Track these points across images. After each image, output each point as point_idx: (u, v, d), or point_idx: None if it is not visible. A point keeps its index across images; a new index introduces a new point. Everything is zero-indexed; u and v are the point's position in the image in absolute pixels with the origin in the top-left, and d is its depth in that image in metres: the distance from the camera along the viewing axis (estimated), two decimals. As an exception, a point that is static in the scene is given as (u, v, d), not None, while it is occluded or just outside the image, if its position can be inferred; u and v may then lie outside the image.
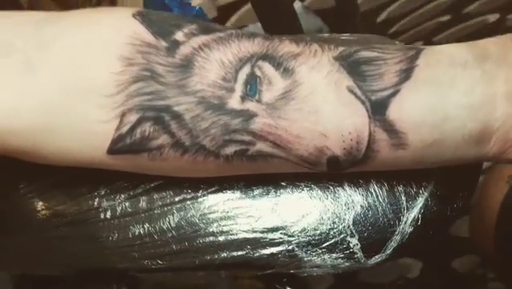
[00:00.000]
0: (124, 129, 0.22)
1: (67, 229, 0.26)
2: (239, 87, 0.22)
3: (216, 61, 0.22)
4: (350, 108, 0.21)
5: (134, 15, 0.23)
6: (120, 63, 0.22)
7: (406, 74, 0.22)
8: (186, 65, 0.22)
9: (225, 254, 0.25)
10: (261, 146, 0.22)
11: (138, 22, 0.23)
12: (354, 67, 0.22)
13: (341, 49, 0.23)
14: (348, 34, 0.27)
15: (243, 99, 0.22)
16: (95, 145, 0.23)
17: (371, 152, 0.22)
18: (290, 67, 0.22)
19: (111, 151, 0.23)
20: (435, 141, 0.22)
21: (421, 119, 0.21)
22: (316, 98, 0.21)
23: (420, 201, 0.24)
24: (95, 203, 0.27)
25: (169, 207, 0.26)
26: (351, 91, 0.22)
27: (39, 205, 0.27)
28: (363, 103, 0.21)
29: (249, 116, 0.21)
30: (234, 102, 0.22)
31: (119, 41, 0.22)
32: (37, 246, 0.27)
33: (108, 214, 0.26)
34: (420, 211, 0.24)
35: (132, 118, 0.22)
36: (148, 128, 0.22)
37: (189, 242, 0.25)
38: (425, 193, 0.24)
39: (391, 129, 0.21)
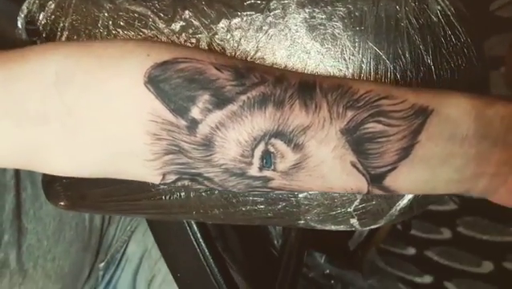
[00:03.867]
0: (168, 182, 0.29)
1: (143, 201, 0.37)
2: (256, 161, 0.27)
3: (233, 141, 0.26)
4: (352, 177, 0.27)
5: (146, 83, 0.26)
6: (149, 137, 0.27)
7: (406, 152, 0.25)
8: (208, 144, 0.26)
9: (259, 221, 0.35)
10: (279, 191, 0.29)
11: (153, 96, 0.26)
12: (358, 145, 0.25)
13: (349, 116, 0.25)
14: None
15: (261, 169, 0.27)
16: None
17: (368, 194, 0.28)
18: (300, 142, 0.26)
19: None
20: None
21: (412, 188, 0.27)
22: (323, 168, 0.26)
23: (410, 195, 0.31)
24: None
25: (214, 191, 0.35)
26: (353, 165, 0.26)
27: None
28: (363, 175, 0.26)
29: (267, 179, 0.27)
30: (253, 171, 0.27)
31: (142, 117, 0.26)
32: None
33: (168, 196, 0.36)
34: (408, 203, 0.32)
35: (172, 177, 0.28)
36: (186, 182, 0.29)
37: (231, 216, 0.35)
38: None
39: (385, 190, 0.27)
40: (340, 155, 0.26)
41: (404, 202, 0.32)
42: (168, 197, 0.35)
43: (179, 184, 0.29)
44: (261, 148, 0.26)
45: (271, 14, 0.31)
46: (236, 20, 0.31)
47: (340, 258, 0.81)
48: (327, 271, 0.80)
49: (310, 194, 0.33)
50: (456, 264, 0.85)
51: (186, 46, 0.30)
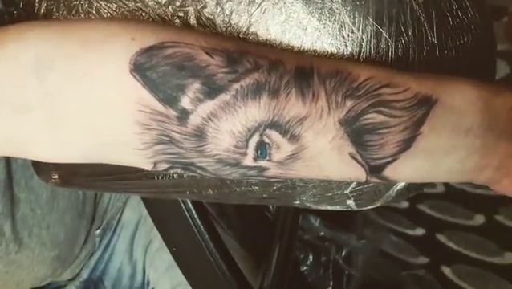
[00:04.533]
0: (160, 170, 0.28)
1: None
2: (251, 152, 0.26)
3: (226, 132, 0.25)
4: (350, 168, 0.26)
5: (132, 71, 0.24)
6: (138, 127, 0.26)
7: (407, 144, 0.24)
8: (200, 135, 0.25)
9: (253, 202, 0.35)
10: (274, 179, 0.28)
11: (140, 86, 0.24)
12: (357, 136, 0.25)
13: (348, 105, 0.24)
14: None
15: (255, 159, 0.26)
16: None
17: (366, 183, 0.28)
18: (297, 133, 0.25)
19: None
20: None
21: (413, 179, 0.26)
22: (320, 159, 0.26)
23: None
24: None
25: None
26: (352, 156, 0.25)
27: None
28: (362, 166, 0.26)
29: (262, 169, 0.27)
30: (248, 161, 0.26)
31: (130, 107, 0.25)
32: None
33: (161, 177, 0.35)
34: (405, 184, 0.31)
35: (164, 166, 0.28)
36: (179, 170, 0.28)
37: (226, 196, 0.35)
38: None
39: (383, 179, 0.27)
40: (338, 146, 0.25)
41: (401, 184, 0.32)
42: (160, 177, 0.35)
43: (171, 171, 0.29)
44: (255, 138, 0.25)
45: (264, -14, 0.29)
46: (226, -8, 0.29)
47: (334, 220, 0.82)
48: (322, 234, 0.82)
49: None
50: (448, 217, 0.87)
51: (173, 26, 0.28)
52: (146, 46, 0.24)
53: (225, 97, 0.24)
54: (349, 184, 0.32)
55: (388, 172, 0.26)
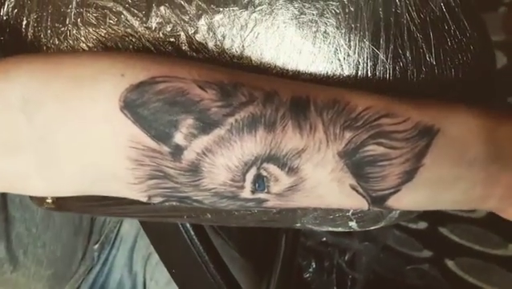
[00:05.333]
0: (155, 202, 0.28)
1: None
2: (248, 185, 0.25)
3: (222, 166, 0.25)
4: (352, 199, 0.26)
5: (122, 108, 0.24)
6: (130, 163, 0.25)
7: (409, 176, 0.24)
8: (195, 170, 0.25)
9: (253, 223, 0.35)
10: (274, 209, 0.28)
11: (131, 122, 0.24)
12: (358, 168, 0.24)
13: (347, 137, 0.24)
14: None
15: (253, 192, 0.26)
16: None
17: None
18: (295, 166, 0.24)
19: None
20: None
21: (416, 209, 0.26)
22: (320, 189, 0.25)
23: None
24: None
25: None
26: (353, 188, 0.25)
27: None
28: (363, 197, 0.25)
29: (261, 201, 0.26)
30: (246, 194, 0.26)
31: (121, 143, 0.25)
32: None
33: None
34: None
35: (159, 199, 0.27)
36: (174, 203, 0.28)
37: (224, 218, 0.35)
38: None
39: (388, 208, 0.26)
40: (338, 178, 0.25)
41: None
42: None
43: (167, 204, 0.28)
44: (252, 172, 0.25)
45: (256, 9, 0.28)
46: (218, 17, 0.29)
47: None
48: (324, 239, 0.81)
49: (305, 200, 0.32)
50: (450, 210, 0.87)
51: (165, 58, 0.28)
52: (136, 82, 0.24)
53: (219, 132, 0.24)
54: (350, 207, 0.32)
55: (391, 202, 0.26)
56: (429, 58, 0.27)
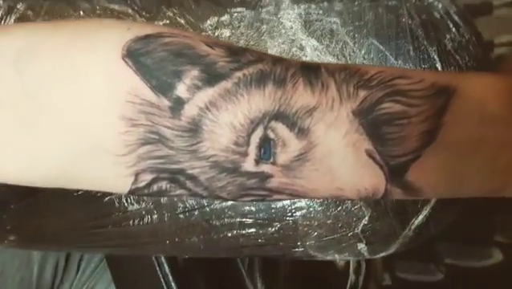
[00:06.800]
0: (141, 185, 0.25)
1: (108, 228, 0.32)
2: (252, 151, 0.23)
3: (226, 124, 0.23)
4: (368, 171, 0.23)
5: (124, 57, 0.23)
6: (124, 123, 0.23)
7: (430, 136, 0.22)
8: (195, 129, 0.23)
9: (246, 251, 0.31)
10: (277, 196, 0.25)
11: (132, 71, 0.23)
12: (374, 128, 0.22)
13: (362, 96, 0.23)
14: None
15: (257, 162, 0.23)
16: (115, 190, 0.26)
17: (386, 198, 0.25)
18: (306, 127, 0.23)
19: (131, 194, 0.26)
20: (449, 195, 0.24)
21: (438, 182, 0.23)
22: (333, 160, 0.23)
23: (426, 209, 0.28)
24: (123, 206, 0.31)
25: (192, 213, 0.31)
26: (369, 155, 0.23)
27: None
28: (381, 167, 0.23)
29: (264, 176, 0.24)
30: (249, 165, 0.23)
31: (118, 98, 0.23)
32: (82, 233, 0.33)
33: (137, 220, 0.31)
34: (423, 220, 0.28)
35: (147, 177, 0.24)
36: (164, 184, 0.25)
37: (214, 243, 0.31)
38: (432, 200, 0.28)
39: (407, 188, 0.23)
40: (353, 142, 0.22)
41: (418, 220, 0.28)
42: (137, 222, 0.31)
43: (155, 188, 0.25)
44: (258, 133, 0.23)
45: (263, 10, 0.30)
46: (225, 17, 0.30)
47: None
48: None
49: (309, 212, 0.29)
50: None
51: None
52: (142, 34, 0.23)
53: (226, 84, 0.23)
54: (360, 220, 0.29)
55: (411, 175, 0.23)
56: (432, 55, 0.28)
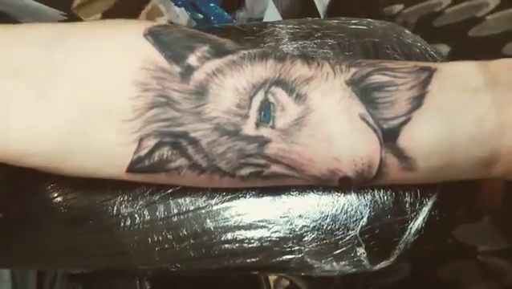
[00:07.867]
0: (143, 152, 0.26)
1: (88, 235, 0.31)
2: (253, 114, 0.25)
3: (230, 88, 0.25)
4: (362, 136, 0.25)
5: (145, 35, 0.27)
6: (136, 89, 0.25)
7: (418, 101, 0.25)
8: (201, 92, 0.25)
9: (240, 260, 0.29)
10: (275, 168, 0.26)
11: (150, 44, 0.26)
12: (366, 94, 0.25)
13: (353, 71, 0.26)
14: (357, 20, 0.31)
15: (257, 125, 0.25)
16: (114, 165, 0.26)
17: (382, 173, 0.25)
18: (303, 93, 0.25)
19: (130, 170, 0.26)
20: (443, 167, 0.25)
21: (430, 148, 0.25)
22: (329, 125, 0.25)
23: (425, 211, 0.28)
24: (115, 210, 0.31)
25: (185, 216, 0.30)
26: (363, 118, 0.25)
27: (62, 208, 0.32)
28: (375, 131, 0.25)
29: (263, 141, 0.25)
30: (249, 128, 0.25)
31: (134, 65, 0.26)
32: (58, 248, 0.32)
33: (128, 222, 0.30)
34: (423, 220, 0.28)
35: (150, 143, 0.26)
36: (166, 151, 0.26)
37: (206, 249, 0.29)
38: (429, 202, 0.29)
39: (401, 155, 0.25)
40: (347, 107, 0.25)
41: (418, 221, 0.28)
42: (128, 223, 0.30)
43: (156, 157, 0.26)
44: (259, 96, 0.25)
45: (265, 45, 0.35)
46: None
47: None
48: None
49: (306, 212, 0.29)
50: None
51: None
52: (163, 24, 0.28)
53: (232, 57, 0.26)
54: (358, 221, 0.28)
55: (404, 139, 0.24)
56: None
